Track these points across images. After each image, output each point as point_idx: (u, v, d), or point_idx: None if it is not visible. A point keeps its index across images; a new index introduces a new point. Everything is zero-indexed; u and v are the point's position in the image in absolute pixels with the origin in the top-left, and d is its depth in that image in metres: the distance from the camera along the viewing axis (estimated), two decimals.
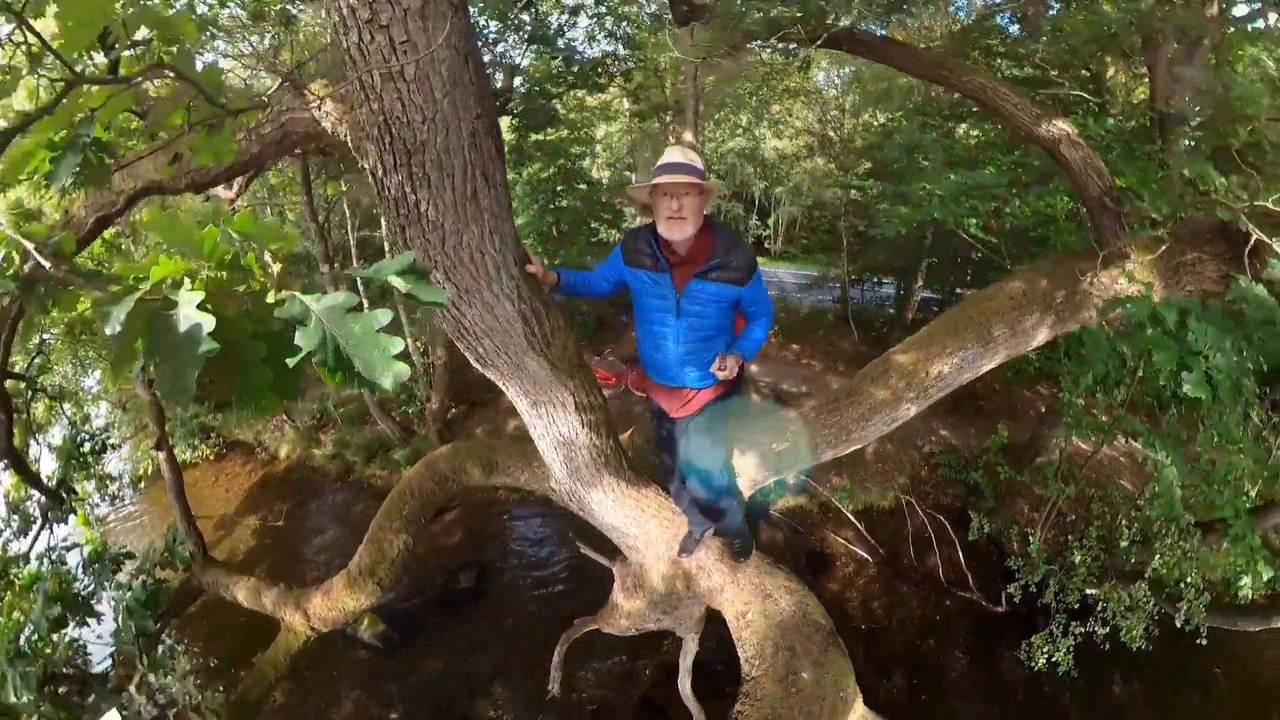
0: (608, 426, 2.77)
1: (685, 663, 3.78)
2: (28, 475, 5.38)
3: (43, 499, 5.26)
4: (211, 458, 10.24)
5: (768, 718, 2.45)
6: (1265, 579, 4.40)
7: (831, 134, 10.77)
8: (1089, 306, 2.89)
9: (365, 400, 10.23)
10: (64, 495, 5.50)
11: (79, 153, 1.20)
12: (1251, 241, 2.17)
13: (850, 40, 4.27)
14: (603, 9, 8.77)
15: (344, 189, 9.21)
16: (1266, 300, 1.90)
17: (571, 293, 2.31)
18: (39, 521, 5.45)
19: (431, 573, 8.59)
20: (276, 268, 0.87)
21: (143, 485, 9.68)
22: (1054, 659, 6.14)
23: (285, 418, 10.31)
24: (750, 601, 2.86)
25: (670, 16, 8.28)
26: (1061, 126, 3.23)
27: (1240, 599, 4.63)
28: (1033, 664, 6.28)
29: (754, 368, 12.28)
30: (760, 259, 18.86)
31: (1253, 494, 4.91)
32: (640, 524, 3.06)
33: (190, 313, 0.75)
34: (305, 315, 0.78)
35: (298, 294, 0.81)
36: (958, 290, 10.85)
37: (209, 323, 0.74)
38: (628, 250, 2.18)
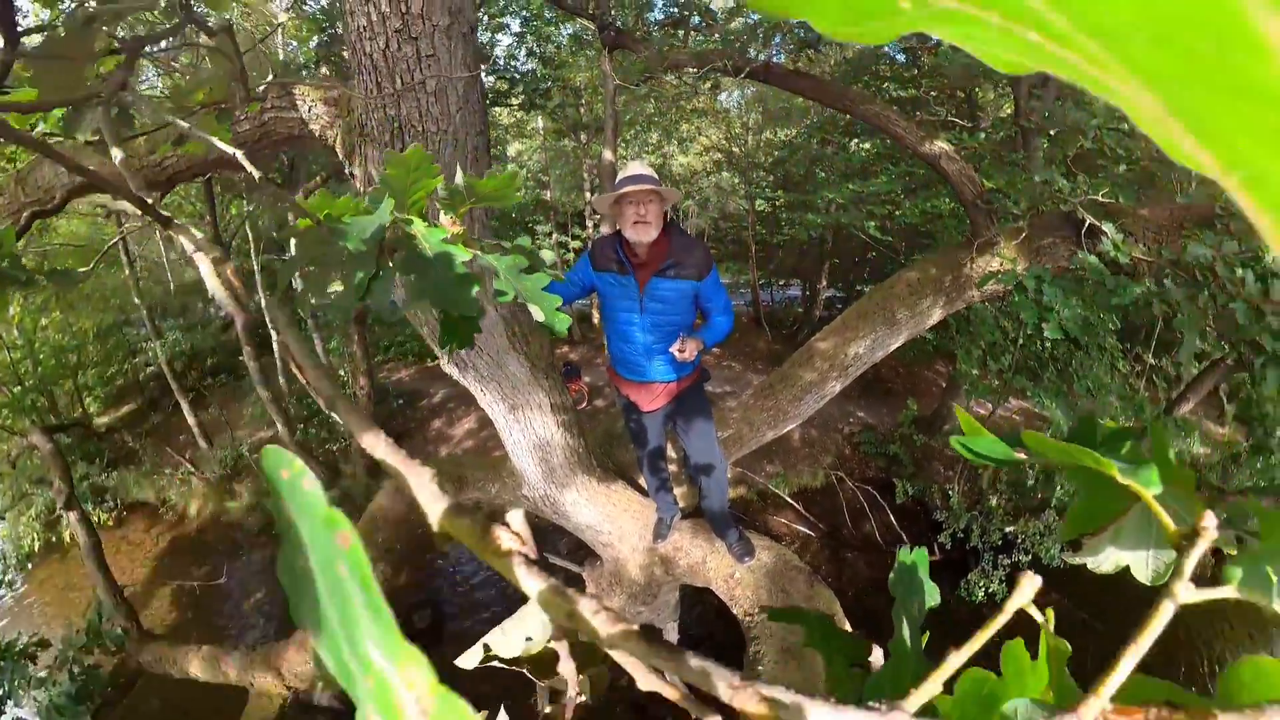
0: (579, 426, 2.95)
1: None
2: None
3: None
4: (110, 523, 8.61)
5: (784, 648, 2.75)
6: None
7: (737, 150, 11.69)
8: (971, 287, 3.46)
9: (282, 442, 9.28)
10: None
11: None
12: (1086, 225, 2.86)
13: (767, 73, 4.90)
14: (524, 29, 8.94)
15: (249, 210, 8.41)
16: (1097, 266, 2.56)
17: None
18: None
19: None
20: (460, 228, 0.95)
21: (30, 565, 7.97)
22: (990, 590, 7.14)
23: (191, 469, 9.00)
24: (732, 566, 3.10)
25: (593, 38, 8.65)
26: (940, 145, 3.98)
27: None
28: (973, 598, 7.24)
29: None
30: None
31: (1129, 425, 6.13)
32: (613, 519, 3.21)
33: (434, 243, 0.81)
34: (497, 268, 0.89)
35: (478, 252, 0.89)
36: (858, 287, 12.18)
37: (462, 254, 0.80)
38: (595, 257, 2.41)
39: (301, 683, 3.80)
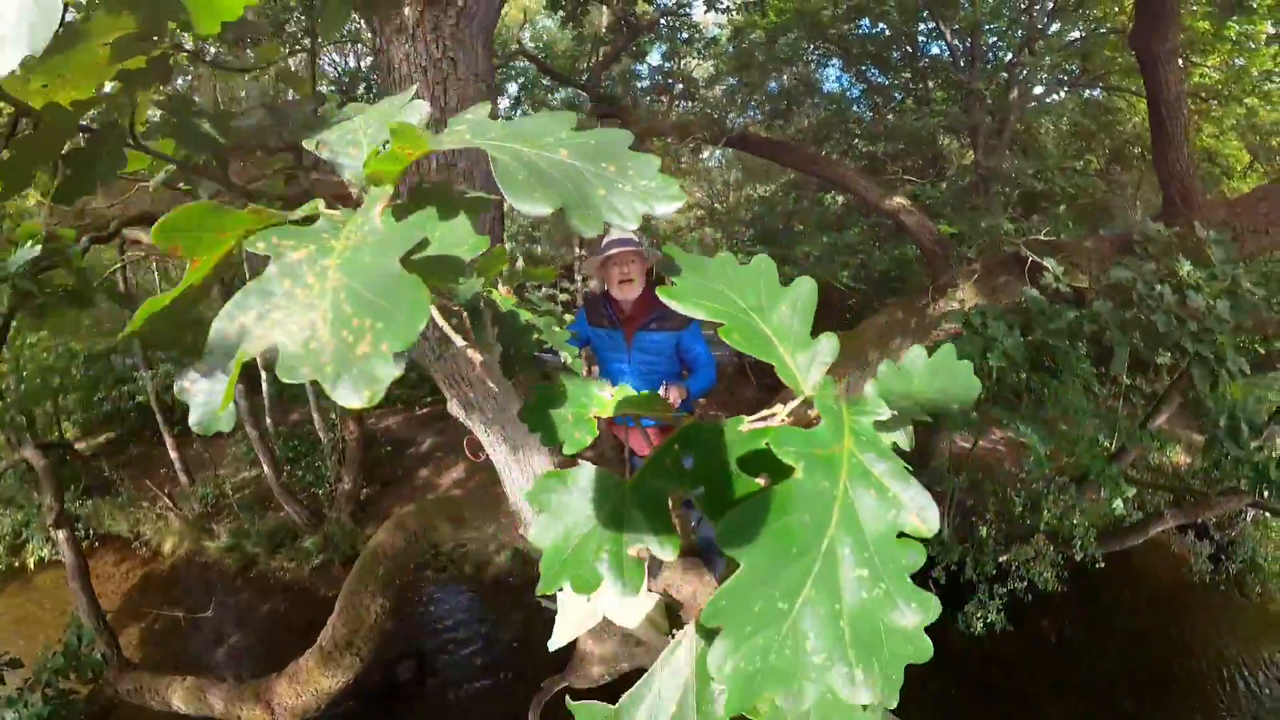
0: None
1: None
2: None
3: None
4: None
5: None
6: (1129, 495, 5.65)
7: (719, 207, 12.42)
8: (936, 325, 3.77)
9: (266, 483, 9.12)
10: None
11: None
12: (1029, 262, 3.23)
13: (743, 141, 5.50)
14: (520, 93, 9.70)
15: None
16: (1037, 298, 2.91)
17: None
18: None
19: (368, 668, 7.61)
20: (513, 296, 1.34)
21: None
22: (989, 620, 7.03)
23: (169, 504, 8.72)
24: None
25: (583, 103, 9.40)
26: (900, 200, 4.47)
27: (1119, 519, 5.85)
28: (972, 629, 7.11)
29: None
30: None
31: (1111, 446, 6.34)
32: None
33: (507, 304, 1.21)
34: (538, 324, 1.27)
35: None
36: (840, 332, 12.60)
37: (523, 314, 1.22)
38: (589, 313, 2.67)
39: (293, 716, 3.66)
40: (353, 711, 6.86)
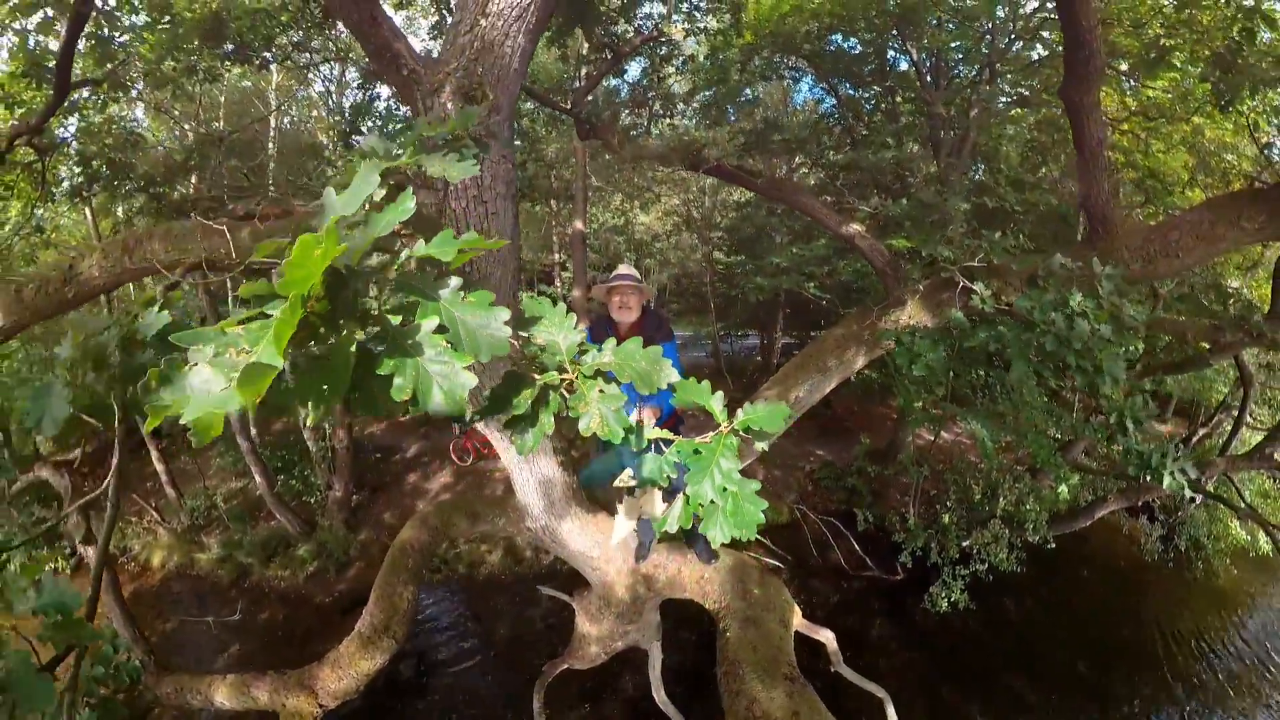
0: (573, 466, 3.52)
1: (655, 672, 4.07)
2: None
3: None
4: (66, 571, 8.07)
5: (745, 618, 3.29)
6: (1073, 482, 6.31)
7: (696, 214, 12.86)
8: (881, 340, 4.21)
9: (254, 494, 9.18)
10: None
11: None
12: (960, 285, 3.65)
13: (717, 169, 5.99)
14: None
15: None
16: (961, 319, 3.37)
17: None
18: None
19: None
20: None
21: None
22: (953, 599, 7.68)
23: (157, 519, 8.68)
24: (701, 569, 3.66)
25: (566, 121, 9.67)
26: (855, 227, 4.94)
27: (1063, 504, 6.53)
28: (937, 609, 7.75)
29: None
30: None
31: (1059, 436, 7.03)
32: (601, 545, 3.66)
33: None
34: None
35: None
36: (811, 334, 13.24)
37: None
38: (595, 331, 3.19)
39: (334, 699, 3.82)
40: (359, 709, 7.11)
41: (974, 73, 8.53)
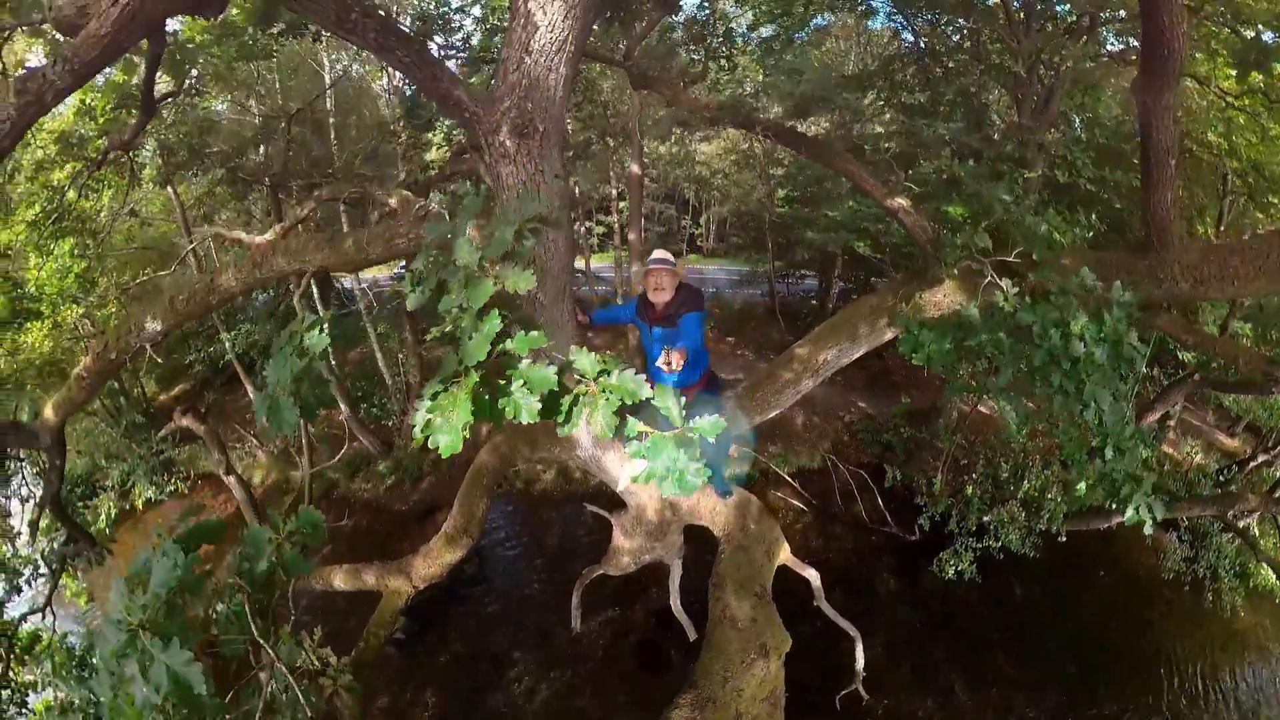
0: None
1: (674, 585, 4.73)
2: (66, 520, 5.70)
3: (53, 549, 5.56)
4: (184, 492, 10.05)
5: (738, 545, 3.92)
6: (1091, 483, 6.28)
7: (756, 147, 12.32)
8: (925, 312, 4.04)
9: (337, 419, 10.59)
10: (95, 539, 5.80)
11: None
12: (988, 278, 3.53)
13: (768, 128, 5.75)
14: None
15: None
16: (973, 315, 3.21)
17: (602, 323, 3.97)
18: (49, 572, 5.68)
19: None
20: None
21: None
22: (960, 569, 8.02)
23: (256, 443, 10.34)
24: (716, 502, 4.23)
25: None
26: (900, 201, 4.68)
27: (1080, 501, 6.55)
28: (944, 574, 8.13)
29: None
30: (694, 257, 20.15)
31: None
32: None
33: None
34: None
35: None
36: (871, 280, 12.82)
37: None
38: (638, 307, 3.63)
39: (423, 582, 4.63)
40: (429, 600, 8.64)
41: (1073, 18, 7.44)
